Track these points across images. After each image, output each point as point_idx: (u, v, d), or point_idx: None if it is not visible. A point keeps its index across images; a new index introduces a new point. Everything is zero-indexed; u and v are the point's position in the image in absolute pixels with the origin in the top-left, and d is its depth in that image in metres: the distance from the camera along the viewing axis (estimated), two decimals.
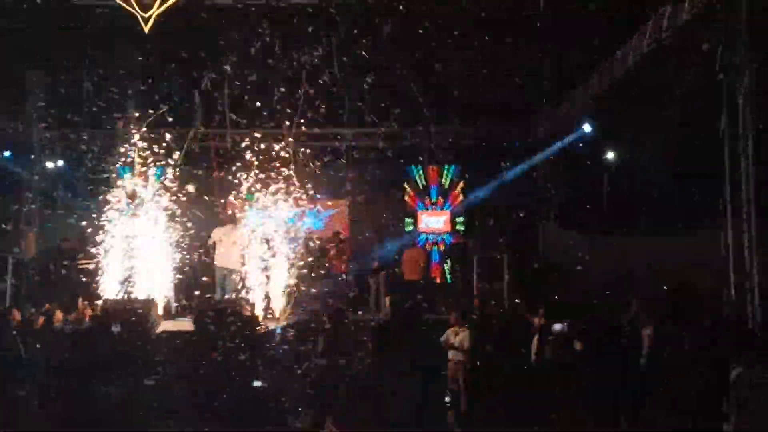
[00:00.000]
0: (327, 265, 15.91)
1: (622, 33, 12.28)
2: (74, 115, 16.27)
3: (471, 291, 14.80)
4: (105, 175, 14.54)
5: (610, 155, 15.67)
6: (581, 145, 15.58)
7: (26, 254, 16.19)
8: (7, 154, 17.16)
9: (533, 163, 17.29)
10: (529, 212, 16.94)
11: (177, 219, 13.84)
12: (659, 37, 10.86)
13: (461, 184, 18.68)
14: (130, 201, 13.43)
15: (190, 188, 13.97)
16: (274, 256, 13.81)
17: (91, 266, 13.55)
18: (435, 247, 18.57)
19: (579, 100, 14.99)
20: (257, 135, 13.84)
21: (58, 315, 11.74)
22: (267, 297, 13.31)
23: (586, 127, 14.96)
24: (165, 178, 14.03)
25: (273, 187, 14.22)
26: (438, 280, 17.61)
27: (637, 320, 9.33)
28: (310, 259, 16.01)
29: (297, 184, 15.42)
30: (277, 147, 15.09)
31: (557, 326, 9.58)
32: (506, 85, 15.34)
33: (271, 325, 12.28)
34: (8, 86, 16.47)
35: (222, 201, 14.29)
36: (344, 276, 16.01)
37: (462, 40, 14.51)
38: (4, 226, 16.12)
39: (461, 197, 18.66)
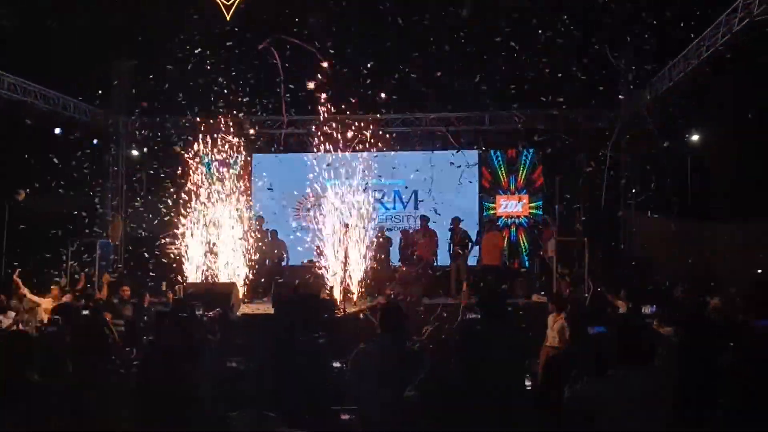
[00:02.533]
0: (413, 250, 16.04)
1: (710, 11, 11.95)
2: (159, 104, 16.67)
3: (550, 276, 14.62)
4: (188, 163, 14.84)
5: (694, 137, 15.20)
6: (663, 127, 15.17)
7: (113, 239, 16.69)
8: (95, 141, 17.65)
9: (614, 146, 16.92)
10: (609, 196, 16.60)
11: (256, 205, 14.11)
12: (751, 13, 10.56)
13: (540, 168, 18.46)
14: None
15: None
16: (351, 240, 13.92)
17: (175, 251, 13.93)
18: (513, 230, 18.42)
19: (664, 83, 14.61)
20: (333, 120, 13.85)
21: (147, 298, 12.13)
22: (345, 280, 13.43)
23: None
24: (243, 166, 14.31)
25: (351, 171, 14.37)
26: (515, 265, 17.45)
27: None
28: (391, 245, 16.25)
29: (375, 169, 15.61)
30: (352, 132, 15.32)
31: (647, 310, 9.33)
32: (585, 68, 15.05)
33: (350, 309, 12.41)
34: (96, 75, 17.00)
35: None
36: (429, 261, 16.03)
37: (540, 21, 14.35)
38: (92, 212, 16.57)
39: (540, 181, 18.44)
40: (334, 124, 14.81)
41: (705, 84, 13.13)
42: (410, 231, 16.84)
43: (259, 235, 15.32)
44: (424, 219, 16.43)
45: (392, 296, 12.76)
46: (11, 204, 14.05)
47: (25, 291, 11.36)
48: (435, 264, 16.24)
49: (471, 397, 3.67)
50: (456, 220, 16.19)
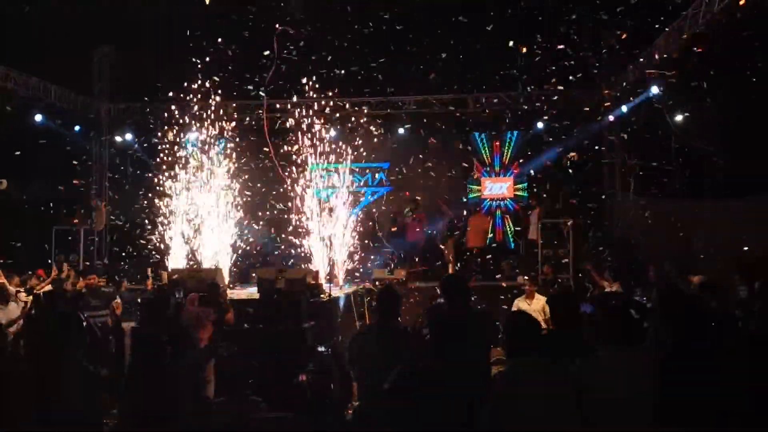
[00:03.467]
0: (399, 231, 16.07)
1: None
2: (140, 88, 16.55)
3: (535, 257, 14.66)
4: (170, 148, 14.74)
5: (678, 118, 15.20)
6: (648, 108, 15.16)
7: (97, 227, 16.58)
8: (76, 128, 17.53)
9: (599, 127, 16.95)
10: (594, 178, 16.63)
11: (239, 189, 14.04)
12: None
13: (525, 150, 18.45)
14: None
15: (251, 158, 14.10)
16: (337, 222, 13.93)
17: (159, 237, 13.88)
18: (498, 213, 18.42)
19: (646, 63, 14.59)
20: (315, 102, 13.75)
21: (124, 284, 12.05)
22: (331, 264, 13.40)
23: (654, 90, 14.53)
24: (228, 149, 14.23)
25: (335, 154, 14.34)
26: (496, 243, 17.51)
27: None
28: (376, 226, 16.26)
29: (362, 150, 15.58)
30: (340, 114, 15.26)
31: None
32: (572, 49, 15.04)
33: (335, 292, 12.39)
34: (76, 62, 16.86)
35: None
36: (418, 242, 16.09)
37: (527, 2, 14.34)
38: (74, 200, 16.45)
39: (525, 162, 18.43)
40: (316, 106, 14.74)
41: (688, 62, 13.11)
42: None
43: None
44: (414, 202, 16.55)
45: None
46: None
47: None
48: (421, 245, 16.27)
49: (440, 383, 3.66)
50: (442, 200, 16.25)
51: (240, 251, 14.84)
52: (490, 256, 16.12)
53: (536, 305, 10.23)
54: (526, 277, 13.90)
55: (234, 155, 14.64)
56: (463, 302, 5.44)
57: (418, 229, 16.24)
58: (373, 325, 5.68)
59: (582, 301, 10.44)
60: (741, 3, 10.51)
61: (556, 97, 17.09)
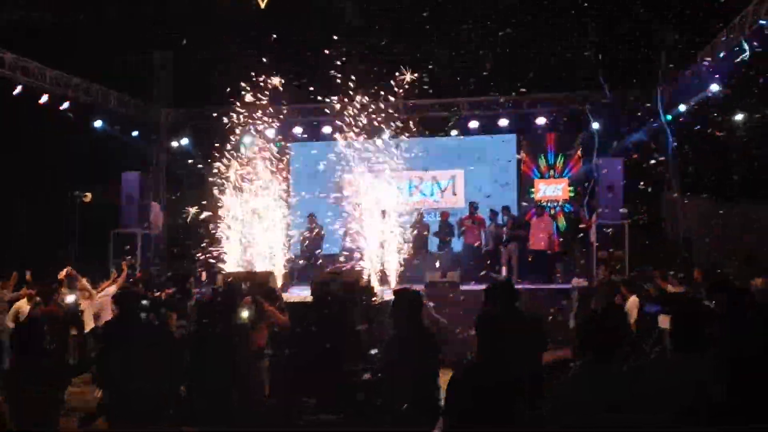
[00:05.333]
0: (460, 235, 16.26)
1: None
2: (197, 94, 16.77)
3: (591, 259, 14.48)
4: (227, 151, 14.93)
5: (739, 117, 14.83)
6: (707, 108, 14.83)
7: (154, 230, 16.84)
8: (135, 133, 17.85)
9: (656, 127, 16.64)
10: (651, 178, 16.33)
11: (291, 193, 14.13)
12: None
13: (579, 151, 18.23)
14: None
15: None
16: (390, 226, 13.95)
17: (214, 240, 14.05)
18: (552, 213, 18.23)
19: (706, 61, 14.26)
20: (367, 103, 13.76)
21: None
22: (383, 266, 13.45)
23: (713, 88, 14.20)
24: (285, 153, 14.34)
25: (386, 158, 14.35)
26: (556, 249, 17.33)
27: None
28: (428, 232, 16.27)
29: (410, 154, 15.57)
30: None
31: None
32: (626, 48, 14.84)
33: (388, 296, 12.39)
34: (135, 67, 17.19)
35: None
36: (477, 246, 16.08)
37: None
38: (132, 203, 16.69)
39: (580, 164, 18.22)
40: (370, 110, 14.75)
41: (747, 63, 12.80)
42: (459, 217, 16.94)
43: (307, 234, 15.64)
44: (473, 205, 16.61)
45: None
46: (78, 204, 14.27)
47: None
48: (482, 249, 16.26)
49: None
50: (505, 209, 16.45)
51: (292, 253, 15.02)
52: (549, 259, 16.00)
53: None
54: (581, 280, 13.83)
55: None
56: (511, 307, 5.42)
57: (475, 232, 16.23)
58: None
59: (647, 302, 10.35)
60: None
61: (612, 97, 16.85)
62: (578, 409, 3.94)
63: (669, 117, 15.87)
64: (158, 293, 10.65)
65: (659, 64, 16.24)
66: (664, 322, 9.10)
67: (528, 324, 5.60)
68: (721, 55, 13.24)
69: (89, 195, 14.29)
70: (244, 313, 7.85)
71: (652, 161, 16.21)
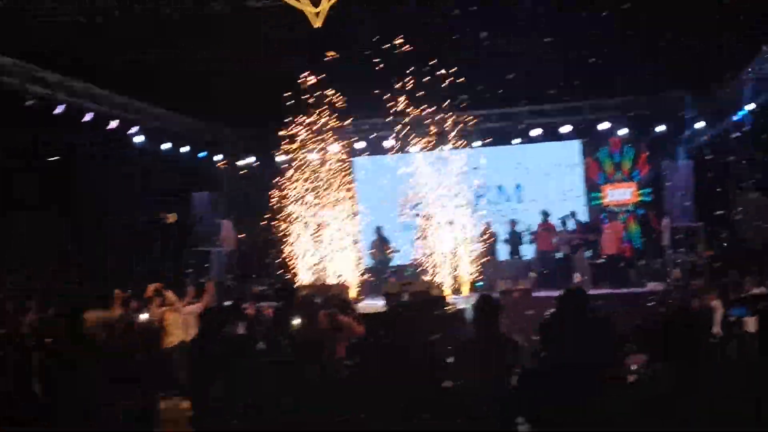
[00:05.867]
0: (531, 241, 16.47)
1: None
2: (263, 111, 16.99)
3: (665, 263, 14.26)
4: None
5: None
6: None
7: (226, 247, 17.10)
8: (202, 153, 18.20)
9: (724, 128, 16.32)
10: (724, 180, 16.00)
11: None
12: None
13: (646, 154, 17.99)
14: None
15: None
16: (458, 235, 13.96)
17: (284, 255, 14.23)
18: (623, 218, 17.98)
19: None
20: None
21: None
22: (454, 276, 13.45)
23: None
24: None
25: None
26: (628, 253, 17.11)
27: None
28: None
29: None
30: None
31: None
32: (688, 47, 14.59)
33: (461, 305, 12.38)
34: (199, 89, 17.53)
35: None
36: (550, 252, 16.06)
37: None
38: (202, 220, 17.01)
39: (647, 167, 17.98)
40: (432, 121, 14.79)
41: None
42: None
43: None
44: (545, 213, 16.72)
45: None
46: (162, 225, 14.63)
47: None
48: (557, 255, 16.30)
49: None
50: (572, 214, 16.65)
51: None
52: (622, 263, 15.81)
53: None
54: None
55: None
56: (582, 313, 5.38)
57: (547, 239, 16.17)
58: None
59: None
60: None
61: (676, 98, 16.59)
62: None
63: (741, 115, 15.56)
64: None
65: (726, 62, 15.93)
66: (749, 324, 8.87)
67: (597, 327, 5.52)
68: None
69: (174, 215, 14.63)
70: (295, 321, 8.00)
71: (724, 161, 15.89)
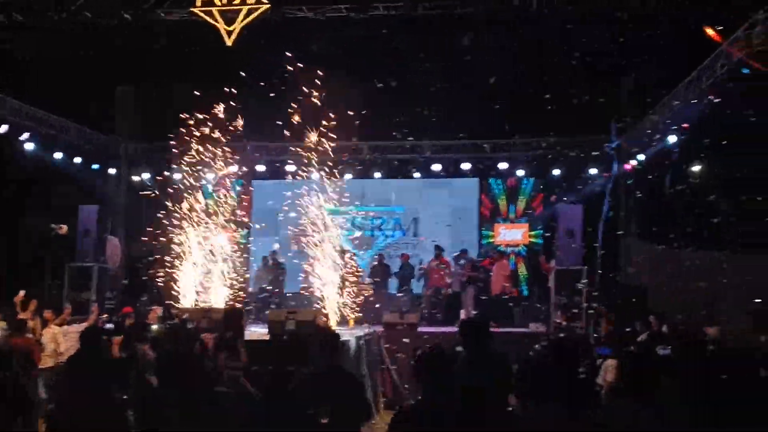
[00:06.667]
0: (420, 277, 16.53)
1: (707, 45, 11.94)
2: (160, 128, 16.66)
3: (548, 305, 14.55)
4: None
5: (695, 168, 15.08)
6: (664, 157, 15.10)
7: (111, 264, 16.58)
8: (95, 166, 17.70)
9: (614, 174, 16.92)
10: (609, 225, 16.53)
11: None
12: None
13: (539, 197, 18.45)
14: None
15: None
16: (349, 266, 13.88)
17: (171, 275, 13.87)
18: (512, 259, 18.28)
19: (665, 112, 14.57)
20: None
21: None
22: (341, 307, 13.36)
23: (671, 139, 14.49)
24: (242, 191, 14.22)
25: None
26: (515, 293, 17.41)
27: None
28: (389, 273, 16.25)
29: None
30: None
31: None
32: (585, 95, 15.11)
33: (345, 336, 12.29)
34: (97, 101, 17.10)
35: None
36: (445, 290, 16.17)
37: (539, 51, 14.44)
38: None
39: (539, 209, 18.42)
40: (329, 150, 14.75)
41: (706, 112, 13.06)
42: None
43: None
44: (438, 248, 16.71)
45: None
46: (53, 237, 14.11)
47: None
48: (449, 292, 16.38)
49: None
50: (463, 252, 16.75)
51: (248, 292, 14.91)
52: (509, 303, 16.02)
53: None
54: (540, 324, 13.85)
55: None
56: (484, 346, 5.41)
57: (441, 274, 16.28)
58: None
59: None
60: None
61: (573, 144, 17.12)
62: None
63: (627, 166, 16.17)
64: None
65: (619, 112, 16.59)
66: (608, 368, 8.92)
67: (496, 365, 5.55)
68: (676, 105, 13.59)
69: (65, 227, 14.15)
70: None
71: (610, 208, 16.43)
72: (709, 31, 10.99)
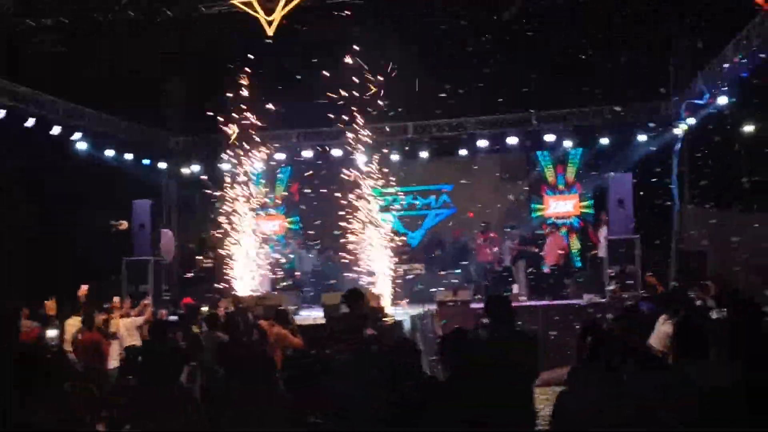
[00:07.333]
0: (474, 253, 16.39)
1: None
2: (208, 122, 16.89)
3: (601, 275, 14.43)
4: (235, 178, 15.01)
5: (748, 129, 14.73)
6: (717, 120, 14.76)
7: (166, 257, 16.89)
8: (146, 161, 18.00)
9: (665, 140, 16.62)
10: (661, 192, 16.26)
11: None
12: None
13: (588, 165, 18.21)
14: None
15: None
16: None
17: (225, 266, 14.10)
18: (564, 231, 18.12)
19: (715, 74, 14.24)
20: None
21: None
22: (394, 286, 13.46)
23: (722, 100, 14.15)
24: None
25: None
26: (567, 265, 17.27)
27: None
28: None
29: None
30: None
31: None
32: (635, 61, 14.85)
33: (400, 316, 12.39)
34: (146, 95, 17.33)
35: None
36: (492, 265, 16.12)
37: (581, 17, 14.21)
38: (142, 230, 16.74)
39: (589, 179, 18.18)
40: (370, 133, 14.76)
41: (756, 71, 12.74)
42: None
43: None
44: (486, 224, 16.69)
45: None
46: (113, 233, 14.45)
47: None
48: (499, 267, 16.35)
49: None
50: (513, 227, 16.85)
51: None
52: (561, 275, 15.92)
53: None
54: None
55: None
56: (508, 322, 5.40)
57: (488, 251, 16.22)
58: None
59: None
60: None
61: (621, 111, 16.84)
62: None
63: (680, 128, 15.85)
64: None
65: (669, 76, 16.27)
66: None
67: (520, 344, 5.51)
68: (726, 66, 13.26)
69: (125, 223, 14.47)
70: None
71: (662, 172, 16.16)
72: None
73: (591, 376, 4.13)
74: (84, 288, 11.41)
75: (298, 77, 14.84)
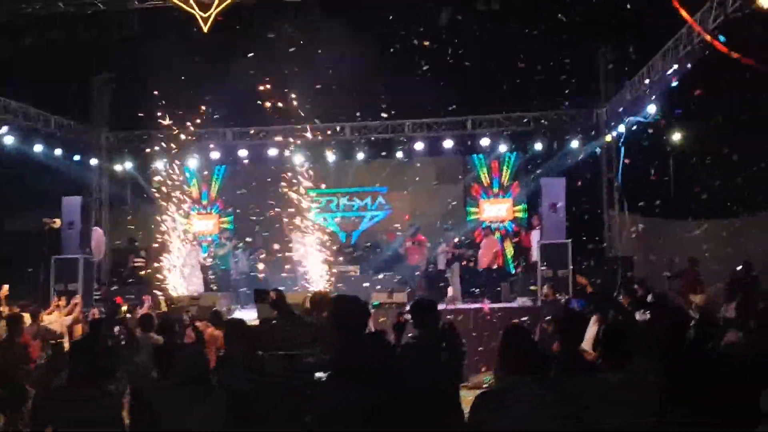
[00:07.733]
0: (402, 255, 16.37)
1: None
2: (139, 116, 16.58)
3: (534, 279, 14.64)
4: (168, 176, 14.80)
5: (676, 137, 15.17)
6: (646, 128, 15.17)
7: (96, 255, 16.53)
8: (76, 158, 17.59)
9: (596, 147, 17.03)
10: (591, 196, 16.63)
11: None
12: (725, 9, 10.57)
13: (523, 170, 18.49)
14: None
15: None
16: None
17: (156, 264, 13.88)
18: (498, 235, 18.34)
19: (644, 83, 14.64)
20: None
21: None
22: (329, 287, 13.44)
23: (651, 109, 14.57)
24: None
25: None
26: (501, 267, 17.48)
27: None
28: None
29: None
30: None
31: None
32: (568, 69, 15.13)
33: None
34: (76, 91, 16.97)
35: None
36: (419, 266, 16.17)
37: (520, 23, 14.42)
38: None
39: (523, 183, 18.48)
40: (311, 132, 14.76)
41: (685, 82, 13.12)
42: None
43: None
44: (414, 227, 16.72)
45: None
46: (46, 231, 14.04)
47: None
48: (428, 269, 16.37)
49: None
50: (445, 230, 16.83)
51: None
52: (493, 277, 16.08)
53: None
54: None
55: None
56: (433, 324, 5.46)
57: (417, 254, 16.27)
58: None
59: None
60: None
61: (554, 117, 17.20)
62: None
63: (610, 137, 16.25)
64: None
65: (600, 84, 16.68)
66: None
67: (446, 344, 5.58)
68: (656, 77, 13.66)
69: (58, 221, 14.08)
70: None
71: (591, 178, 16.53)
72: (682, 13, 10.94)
73: (511, 379, 4.19)
74: (5, 288, 11.02)
75: (235, 75, 14.69)
